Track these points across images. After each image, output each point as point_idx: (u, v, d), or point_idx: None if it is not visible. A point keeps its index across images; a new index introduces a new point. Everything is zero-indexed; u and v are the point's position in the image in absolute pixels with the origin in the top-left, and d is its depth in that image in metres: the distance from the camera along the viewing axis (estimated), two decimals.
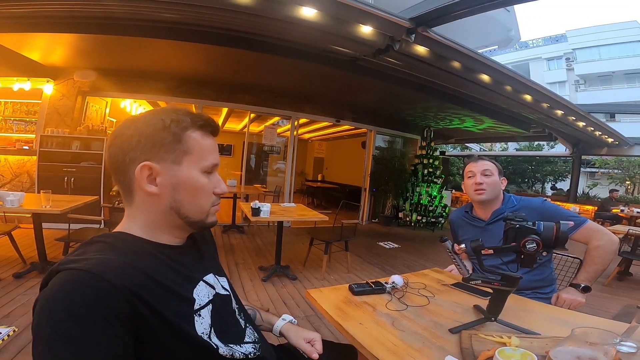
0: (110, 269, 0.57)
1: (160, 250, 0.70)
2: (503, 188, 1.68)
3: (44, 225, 3.11)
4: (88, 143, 4.89)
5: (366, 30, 3.07)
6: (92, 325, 0.51)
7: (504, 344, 0.86)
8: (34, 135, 5.08)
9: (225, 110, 7.11)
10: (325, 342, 1.04)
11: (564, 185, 15.69)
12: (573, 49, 23.00)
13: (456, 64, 3.84)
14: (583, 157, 10.57)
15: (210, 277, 0.78)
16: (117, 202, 3.38)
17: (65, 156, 4.78)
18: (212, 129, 0.75)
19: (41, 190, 2.82)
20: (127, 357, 0.55)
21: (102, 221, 3.84)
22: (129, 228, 0.71)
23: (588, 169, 17.99)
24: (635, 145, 9.51)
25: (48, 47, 4.21)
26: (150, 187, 0.68)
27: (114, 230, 0.72)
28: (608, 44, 21.13)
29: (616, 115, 16.23)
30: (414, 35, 3.13)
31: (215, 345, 0.69)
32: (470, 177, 1.68)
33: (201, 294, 0.72)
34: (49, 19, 3.24)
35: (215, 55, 4.23)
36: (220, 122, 8.60)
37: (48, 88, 5.06)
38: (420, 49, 3.43)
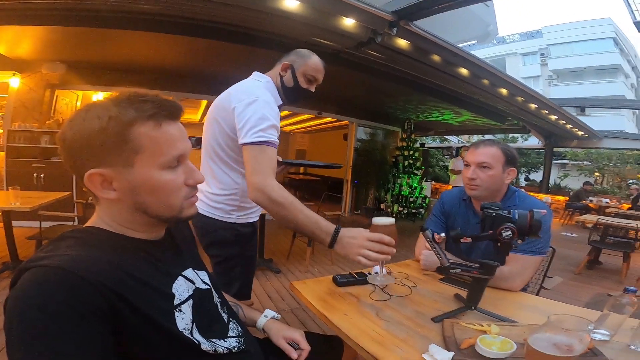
0: (83, 265, 0.54)
1: (136, 245, 0.67)
2: (509, 181, 1.41)
3: (14, 223, 2.97)
4: None
5: (349, 22, 3.06)
6: (68, 322, 0.50)
7: (485, 332, 0.89)
8: (0, 130, 4.84)
9: (204, 102, 6.95)
10: (311, 335, 1.05)
11: (537, 176, 16.32)
12: (547, 45, 23.83)
13: (437, 58, 3.90)
14: (555, 149, 11.00)
15: (189, 272, 0.76)
16: (90, 198, 3.26)
17: (34, 151, 4.61)
18: (166, 114, 0.64)
19: (9, 187, 2.70)
20: (107, 354, 0.54)
21: (76, 218, 3.72)
22: (101, 223, 0.67)
23: (559, 161, 18.78)
24: (604, 138, 9.98)
25: (14, 39, 4.00)
26: (107, 193, 0.63)
27: (85, 225, 0.68)
28: (581, 40, 21.99)
29: (586, 109, 16.93)
30: (396, 28, 3.15)
31: (197, 341, 0.68)
32: (466, 165, 1.43)
33: (180, 289, 0.70)
34: (14, 12, 3.06)
35: (195, 47, 4.11)
36: (199, 115, 8.39)
37: (14, 81, 4.81)
38: (402, 42, 3.46)
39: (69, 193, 3.45)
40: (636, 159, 15.05)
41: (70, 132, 0.60)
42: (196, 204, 1.32)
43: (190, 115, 8.52)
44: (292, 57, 1.36)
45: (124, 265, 0.60)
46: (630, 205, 7.83)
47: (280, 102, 1.34)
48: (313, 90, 1.41)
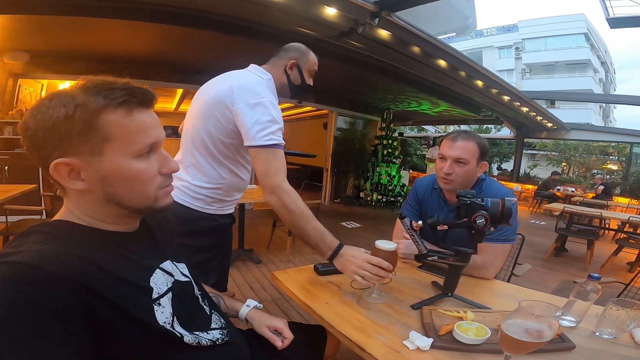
0: (52, 260, 0.52)
1: (109, 238, 0.65)
2: (480, 174, 1.43)
3: None
4: None
5: (331, 12, 3.03)
6: (41, 321, 0.48)
7: (461, 319, 0.93)
8: None
9: (180, 91, 6.75)
10: (294, 324, 1.06)
11: (508, 165, 16.94)
12: (523, 39, 24.50)
13: (416, 49, 3.93)
14: (525, 139, 11.43)
15: (167, 264, 0.74)
16: (58, 190, 3.12)
17: None
18: (137, 101, 0.61)
19: None
20: (85, 351, 0.52)
21: (44, 211, 3.55)
22: (70, 216, 0.64)
23: (529, 151, 19.53)
24: (572, 130, 10.46)
25: None
26: (75, 183, 0.60)
27: (53, 219, 0.65)
28: (554, 35, 22.70)
29: (556, 102, 17.63)
30: (377, 19, 3.15)
31: (180, 334, 0.67)
32: (441, 158, 1.41)
33: (159, 282, 0.68)
34: None
35: (171, 35, 3.93)
36: (174, 104, 8.14)
37: None
38: (383, 33, 3.46)
39: (35, 185, 3.26)
40: (601, 150, 15.88)
41: (34, 121, 0.57)
42: (175, 193, 1.30)
43: (165, 104, 8.25)
44: (294, 54, 1.35)
45: (96, 260, 0.58)
46: (595, 194, 8.28)
47: (278, 100, 1.32)
48: (312, 83, 1.43)
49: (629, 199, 8.94)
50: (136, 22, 3.34)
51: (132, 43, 4.39)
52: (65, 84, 5.78)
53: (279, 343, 0.94)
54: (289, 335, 0.97)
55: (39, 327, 0.47)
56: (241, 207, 3.55)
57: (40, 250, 0.54)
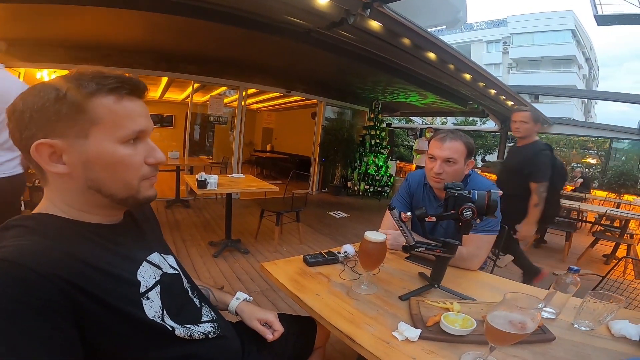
0: (34, 256, 0.51)
1: (93, 230, 0.63)
2: (467, 171, 1.48)
3: None
4: None
5: (323, 1, 2.97)
6: (25, 320, 0.47)
7: (448, 310, 0.96)
8: None
9: (164, 80, 6.56)
10: (284, 316, 1.07)
11: (492, 157, 17.25)
12: (511, 34, 24.77)
13: (406, 41, 3.91)
14: (509, 132, 11.62)
15: (155, 257, 0.74)
16: (37, 181, 3.03)
17: None
18: (129, 89, 0.62)
19: None
20: (72, 349, 0.51)
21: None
22: (51, 208, 0.62)
23: (513, 144, 19.91)
24: (554, 125, 10.69)
25: None
26: (55, 166, 0.59)
27: (33, 212, 0.63)
28: (542, 30, 22.99)
29: (540, 96, 17.93)
30: (369, 10, 3.10)
31: (171, 327, 0.67)
32: (430, 158, 1.46)
33: (146, 275, 0.67)
34: None
35: (156, 23, 3.79)
36: (159, 93, 7.95)
37: None
38: (374, 24, 3.42)
39: None
40: (581, 144, 16.33)
41: (22, 103, 0.57)
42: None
43: (150, 92, 8.07)
44: None
45: (80, 254, 0.57)
46: (574, 187, 8.53)
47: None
48: None
49: (606, 192, 9.23)
50: (118, 10, 3.21)
51: (113, 31, 4.22)
52: (43, 73, 5.55)
53: (269, 336, 0.95)
54: (279, 328, 0.97)
55: (22, 324, 0.47)
56: (228, 196, 3.52)
57: (20, 245, 0.53)
